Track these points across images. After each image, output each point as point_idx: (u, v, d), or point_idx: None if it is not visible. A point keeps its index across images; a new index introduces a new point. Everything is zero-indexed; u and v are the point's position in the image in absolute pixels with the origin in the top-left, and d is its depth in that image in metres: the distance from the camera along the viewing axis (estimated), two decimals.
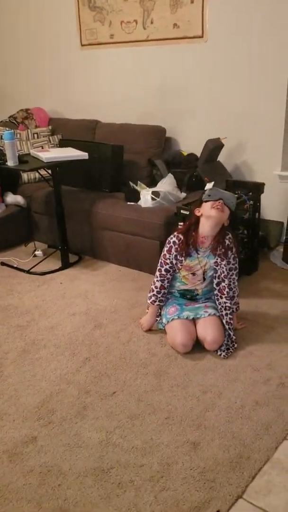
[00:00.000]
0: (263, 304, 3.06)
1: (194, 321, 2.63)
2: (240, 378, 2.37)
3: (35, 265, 3.69)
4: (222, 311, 2.60)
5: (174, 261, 2.62)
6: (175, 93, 4.14)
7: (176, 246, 2.60)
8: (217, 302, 2.64)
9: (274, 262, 3.64)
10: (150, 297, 2.71)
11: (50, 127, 4.66)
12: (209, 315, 2.60)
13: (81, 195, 3.91)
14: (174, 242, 2.62)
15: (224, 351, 2.54)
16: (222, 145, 3.80)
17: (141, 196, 3.61)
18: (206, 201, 2.54)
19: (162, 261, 2.66)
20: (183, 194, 3.69)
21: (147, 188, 3.74)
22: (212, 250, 2.59)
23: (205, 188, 2.62)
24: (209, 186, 2.63)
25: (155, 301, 2.70)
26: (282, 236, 3.83)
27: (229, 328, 2.58)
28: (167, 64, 4.12)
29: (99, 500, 1.74)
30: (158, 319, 2.77)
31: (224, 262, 2.58)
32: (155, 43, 4.11)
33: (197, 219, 2.58)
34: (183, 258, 2.60)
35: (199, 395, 2.26)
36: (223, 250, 2.58)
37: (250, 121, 3.82)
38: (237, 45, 3.71)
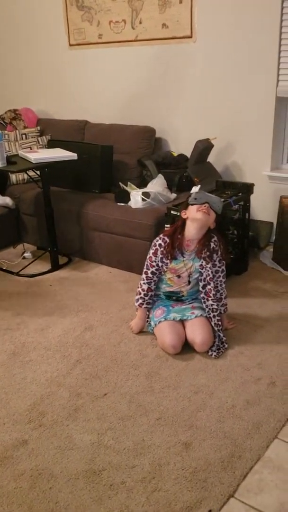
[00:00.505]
0: (253, 304, 3.06)
1: (182, 322, 2.63)
2: (231, 378, 2.37)
3: (24, 267, 3.67)
4: (209, 313, 2.60)
5: (160, 264, 2.62)
6: (164, 94, 4.14)
7: (162, 249, 2.60)
8: (204, 305, 2.64)
9: (264, 262, 3.65)
10: (138, 300, 2.71)
11: (38, 127, 4.64)
12: (196, 316, 2.60)
13: (70, 196, 3.89)
14: (160, 244, 2.61)
15: (215, 351, 2.54)
16: (211, 146, 3.81)
17: (131, 197, 3.61)
18: (192, 204, 2.55)
19: (148, 264, 2.65)
20: (174, 195, 3.70)
21: (137, 188, 3.74)
22: (197, 253, 2.59)
23: (191, 192, 2.62)
24: (195, 189, 2.63)
25: (142, 304, 2.70)
26: (271, 236, 3.85)
27: (218, 329, 2.58)
28: (156, 64, 4.12)
29: (91, 502, 1.74)
30: (147, 321, 2.77)
31: (209, 265, 2.59)
32: (144, 43, 4.11)
33: (184, 221, 2.59)
34: (168, 261, 2.60)
35: (190, 395, 2.26)
36: (208, 253, 2.58)
37: (239, 121, 3.83)
38: (226, 45, 3.72)
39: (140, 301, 2.69)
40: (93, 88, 4.58)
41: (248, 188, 3.39)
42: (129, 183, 3.84)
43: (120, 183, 3.85)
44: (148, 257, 2.66)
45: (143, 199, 3.54)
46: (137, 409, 2.18)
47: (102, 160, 3.88)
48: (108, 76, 4.44)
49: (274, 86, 3.59)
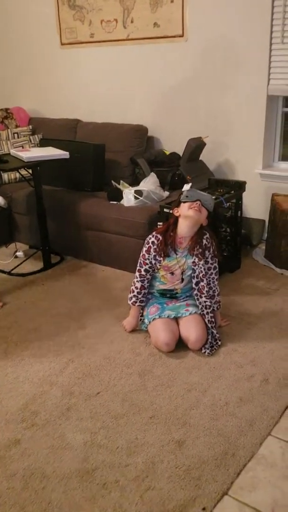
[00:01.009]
0: (246, 301, 3.07)
1: (176, 320, 2.63)
2: (224, 375, 2.37)
3: (16, 266, 3.65)
4: (203, 310, 2.60)
5: (153, 261, 2.62)
6: (156, 92, 4.13)
7: (155, 246, 2.60)
8: (197, 302, 2.64)
9: (256, 260, 3.66)
10: (131, 298, 2.70)
11: (30, 126, 4.62)
12: (190, 313, 2.60)
13: (62, 195, 3.88)
14: (153, 242, 2.61)
15: (208, 348, 2.54)
16: (204, 144, 3.81)
17: (123, 195, 3.60)
18: (184, 202, 2.55)
19: (142, 262, 2.65)
20: (166, 193, 3.69)
21: (130, 187, 3.73)
22: (189, 250, 2.59)
23: (183, 189, 2.62)
24: (186, 187, 2.63)
25: (135, 302, 2.69)
26: (264, 234, 3.86)
27: (211, 326, 2.58)
28: (148, 63, 4.11)
29: (84, 501, 1.73)
30: (141, 319, 2.76)
31: (202, 262, 2.59)
32: (136, 42, 4.11)
33: (176, 219, 2.59)
34: (161, 258, 2.60)
35: (183, 393, 2.26)
36: (200, 250, 2.58)
37: (231, 120, 3.83)
38: (218, 44, 3.72)
39: (134, 299, 2.69)
40: (85, 87, 4.57)
41: (240, 186, 3.39)
42: (121, 181, 3.83)
43: (112, 181, 3.84)
44: (141, 255, 2.66)
45: (135, 198, 3.53)
46: (130, 408, 2.18)
47: (95, 158, 3.87)
48: (100, 75, 4.43)
49: (265, 84, 3.60)
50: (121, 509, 1.69)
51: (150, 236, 2.64)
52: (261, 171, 3.80)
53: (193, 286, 2.64)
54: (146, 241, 2.65)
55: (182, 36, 3.88)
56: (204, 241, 2.59)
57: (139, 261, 2.66)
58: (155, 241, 2.60)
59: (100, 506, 1.71)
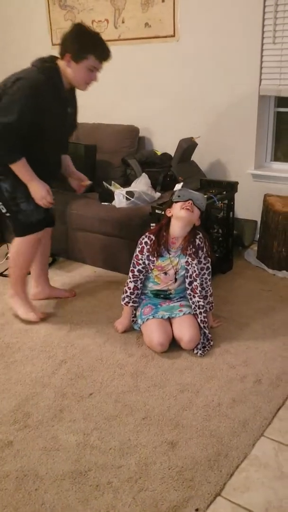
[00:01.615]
0: (238, 302, 3.07)
1: (169, 320, 2.63)
2: (216, 376, 2.37)
3: (8, 268, 3.63)
4: (196, 310, 2.61)
5: (146, 261, 2.62)
6: (147, 93, 4.13)
7: (148, 247, 2.60)
8: (190, 302, 2.64)
9: (249, 261, 3.67)
10: (124, 298, 2.70)
11: None
12: (184, 314, 2.60)
13: (54, 196, 3.85)
14: (146, 242, 2.62)
15: (200, 349, 2.54)
16: (195, 145, 3.81)
17: (115, 196, 3.59)
18: (176, 202, 2.55)
19: (135, 262, 2.65)
20: (158, 194, 3.69)
21: (121, 188, 3.73)
22: (182, 249, 2.60)
23: (175, 189, 2.63)
24: (178, 186, 2.63)
25: (128, 302, 2.69)
26: (256, 234, 3.87)
27: (204, 326, 2.58)
28: (139, 63, 4.11)
29: (77, 503, 1.72)
30: (133, 320, 2.76)
31: (195, 262, 2.59)
32: (127, 42, 4.11)
33: (169, 219, 2.59)
34: (155, 259, 2.60)
35: (176, 394, 2.26)
36: (193, 249, 2.59)
37: (222, 120, 3.84)
38: (209, 44, 3.73)
39: (127, 299, 2.68)
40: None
41: (232, 187, 3.40)
42: (113, 182, 3.82)
43: (104, 182, 3.83)
44: (134, 255, 2.65)
45: (127, 198, 3.53)
46: (122, 409, 2.17)
47: (86, 159, 3.86)
48: None
49: (257, 84, 3.61)
50: (114, 510, 1.69)
51: (143, 236, 2.64)
52: (253, 171, 3.81)
53: (187, 286, 2.64)
54: (139, 242, 2.65)
55: (173, 36, 3.89)
56: (197, 241, 2.59)
57: (132, 261, 2.66)
58: (148, 241, 2.61)
59: (93, 508, 1.70)
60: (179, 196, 2.55)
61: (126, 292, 2.68)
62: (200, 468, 1.85)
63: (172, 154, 3.88)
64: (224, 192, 3.33)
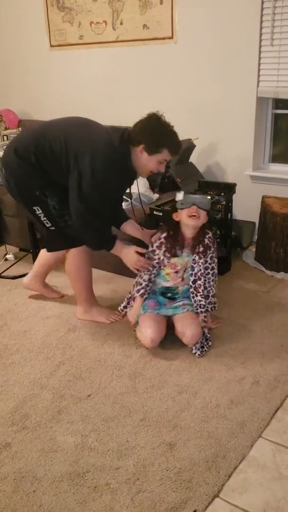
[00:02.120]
0: (236, 303, 3.07)
1: (169, 318, 2.64)
2: (214, 377, 2.37)
3: (7, 269, 3.64)
4: (197, 309, 2.62)
5: (161, 257, 2.63)
6: (145, 94, 4.14)
7: (167, 243, 2.61)
8: (192, 300, 2.65)
9: (247, 262, 3.67)
10: (139, 290, 2.68)
11: (20, 128, 4.60)
12: (187, 310, 2.61)
13: None
14: (165, 237, 2.63)
15: (198, 349, 2.54)
16: (193, 146, 3.82)
17: None
18: (181, 209, 2.57)
19: (150, 257, 2.67)
20: (156, 195, 3.69)
21: None
22: (191, 248, 2.61)
23: (176, 199, 2.63)
24: (179, 196, 2.63)
25: (144, 294, 2.68)
26: (254, 236, 3.87)
27: (203, 326, 2.59)
28: (138, 65, 4.12)
29: (75, 504, 1.72)
30: (128, 299, 2.78)
31: (201, 261, 2.61)
32: (125, 44, 4.11)
33: (177, 223, 2.62)
34: (170, 255, 2.61)
35: (174, 395, 2.26)
36: (201, 248, 2.61)
37: (221, 122, 3.85)
38: (207, 46, 3.73)
39: (142, 291, 2.67)
40: (74, 89, 4.56)
41: (230, 188, 3.40)
42: None
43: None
44: (150, 250, 2.68)
45: (125, 200, 3.52)
46: (121, 410, 2.17)
47: None
48: (89, 77, 4.43)
49: (255, 86, 3.62)
50: (112, 511, 1.69)
51: (162, 232, 2.66)
52: (251, 173, 3.81)
53: (190, 284, 2.66)
54: (157, 237, 2.67)
55: (171, 38, 3.89)
56: (206, 240, 2.63)
57: (146, 255, 2.67)
58: (167, 236, 2.63)
59: (91, 509, 1.70)
60: (182, 204, 2.57)
61: (141, 284, 2.68)
62: (198, 469, 1.85)
63: None
64: (222, 194, 3.33)
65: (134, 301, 2.74)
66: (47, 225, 2.67)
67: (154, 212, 3.10)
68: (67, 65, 4.53)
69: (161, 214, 3.12)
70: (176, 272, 2.66)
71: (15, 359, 2.57)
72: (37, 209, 2.63)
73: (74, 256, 2.78)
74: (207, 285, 2.67)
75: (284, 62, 3.48)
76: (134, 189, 3.62)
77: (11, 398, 2.27)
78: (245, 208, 3.86)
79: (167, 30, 3.88)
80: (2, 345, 2.70)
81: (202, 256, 2.62)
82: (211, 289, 2.69)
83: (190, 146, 3.79)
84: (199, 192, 3.31)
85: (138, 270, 2.69)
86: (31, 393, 2.31)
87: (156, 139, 2.46)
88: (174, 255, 2.62)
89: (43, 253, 2.99)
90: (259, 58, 3.55)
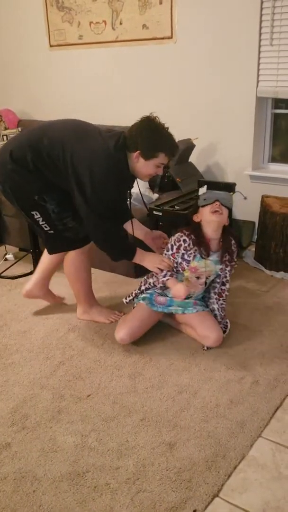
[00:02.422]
0: (236, 303, 3.07)
1: (173, 315, 2.69)
2: (214, 377, 2.38)
3: (6, 269, 3.64)
4: (219, 311, 2.67)
5: (179, 260, 2.58)
6: (145, 94, 4.14)
7: (186, 245, 2.55)
8: (214, 305, 2.67)
9: (246, 262, 3.67)
10: (165, 275, 2.57)
11: (19, 128, 4.61)
12: (197, 311, 2.62)
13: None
14: (184, 240, 2.55)
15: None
16: (193, 146, 3.82)
17: None
18: (203, 206, 2.53)
19: (169, 258, 2.62)
20: (155, 195, 3.69)
21: None
22: (220, 257, 2.59)
23: (199, 194, 2.60)
24: (202, 190, 2.60)
25: (172, 275, 2.58)
26: (253, 235, 3.87)
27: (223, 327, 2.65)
28: (137, 65, 4.12)
29: (75, 504, 1.72)
30: (136, 294, 2.75)
31: (228, 268, 2.63)
32: (125, 44, 4.11)
33: (198, 224, 2.56)
34: (190, 259, 2.56)
35: (174, 395, 2.26)
36: (228, 257, 2.61)
37: (220, 122, 3.85)
38: (207, 46, 3.73)
39: (168, 274, 2.57)
40: (74, 88, 4.56)
41: (230, 188, 3.40)
42: None
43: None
44: (170, 253, 2.59)
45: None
46: (120, 410, 2.18)
47: None
48: (89, 77, 4.43)
49: (254, 86, 3.62)
50: (112, 511, 1.69)
51: (181, 234, 2.57)
52: (251, 172, 3.81)
53: (215, 290, 2.66)
54: (176, 239, 2.57)
55: (171, 37, 3.89)
56: (232, 247, 2.63)
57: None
58: (187, 239, 2.55)
59: (91, 509, 1.70)
60: (205, 199, 2.53)
61: (162, 271, 2.58)
62: (198, 469, 1.85)
63: None
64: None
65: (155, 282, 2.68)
66: (46, 229, 2.63)
67: (154, 212, 3.10)
68: (67, 65, 4.53)
69: (160, 214, 3.12)
70: (198, 277, 2.61)
71: (15, 359, 2.57)
72: (36, 213, 2.58)
73: (73, 257, 2.77)
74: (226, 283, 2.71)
75: (283, 62, 3.48)
76: (134, 189, 3.64)
77: (11, 398, 2.28)
78: (245, 207, 3.86)
79: (166, 30, 3.88)
80: (2, 345, 2.70)
81: (228, 264, 2.62)
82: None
83: (189, 146, 3.80)
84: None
85: (161, 270, 2.60)
86: (31, 393, 2.31)
87: (151, 144, 2.43)
88: (198, 258, 2.55)
89: (45, 257, 2.95)
90: (259, 58, 3.55)
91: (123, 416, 2.14)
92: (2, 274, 3.57)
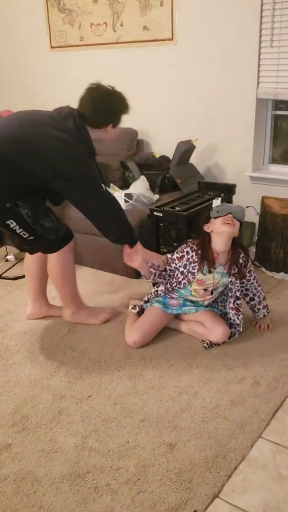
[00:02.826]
0: None
1: (180, 315, 2.73)
2: (215, 378, 2.38)
3: (7, 270, 3.64)
4: (237, 324, 2.68)
5: (184, 271, 2.60)
6: (146, 96, 4.14)
7: (189, 257, 2.58)
8: (235, 319, 2.67)
9: None
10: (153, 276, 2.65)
11: None
12: (209, 309, 2.68)
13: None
14: (187, 252, 2.59)
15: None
16: (193, 147, 3.83)
17: None
18: (215, 217, 2.55)
19: (170, 262, 2.65)
20: (156, 196, 3.70)
21: (120, 190, 3.74)
22: (227, 269, 2.60)
23: (213, 205, 2.62)
24: (216, 202, 2.63)
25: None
26: (253, 236, 3.87)
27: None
28: (138, 66, 4.13)
29: (76, 505, 1.73)
30: (148, 299, 2.78)
31: (238, 281, 2.62)
32: (125, 45, 4.12)
33: (208, 235, 2.58)
34: (195, 271, 2.58)
35: (174, 396, 2.26)
36: (236, 269, 2.61)
37: (220, 123, 3.86)
38: (207, 47, 3.74)
39: (153, 276, 2.66)
40: (75, 90, 4.54)
41: (230, 189, 3.41)
42: (111, 184, 3.83)
43: (102, 184, 3.83)
44: (170, 257, 2.65)
45: (125, 201, 3.54)
46: (121, 411, 2.18)
47: None
48: (90, 79, 4.40)
49: (255, 87, 3.62)
50: None
51: (185, 246, 2.62)
52: (251, 173, 3.82)
53: (231, 305, 2.67)
54: (180, 249, 2.63)
55: (171, 39, 3.90)
56: (240, 260, 2.62)
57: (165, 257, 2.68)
58: (190, 251, 2.58)
59: (91, 510, 1.71)
60: (218, 212, 2.55)
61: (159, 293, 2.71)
62: (198, 470, 1.86)
63: (171, 157, 3.89)
64: (222, 194, 3.34)
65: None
66: (25, 236, 2.52)
67: (154, 213, 3.11)
68: (68, 66, 4.54)
69: (161, 214, 3.12)
70: (205, 289, 2.63)
71: (16, 360, 2.58)
72: (11, 222, 2.45)
73: (58, 259, 2.68)
74: (254, 291, 2.71)
75: (283, 64, 3.49)
76: (134, 189, 3.65)
77: (11, 399, 2.28)
78: (245, 209, 3.86)
79: (167, 32, 3.89)
80: (3, 346, 2.70)
81: (238, 277, 2.62)
82: (260, 293, 2.73)
83: (190, 148, 3.81)
84: (199, 193, 3.32)
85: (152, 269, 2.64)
86: (32, 393, 2.31)
87: (118, 111, 2.54)
88: (204, 271, 2.57)
89: (29, 266, 2.82)
90: (259, 60, 3.56)
91: (124, 417, 2.14)
92: (3, 275, 3.58)
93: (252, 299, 2.74)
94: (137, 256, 2.57)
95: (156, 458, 1.92)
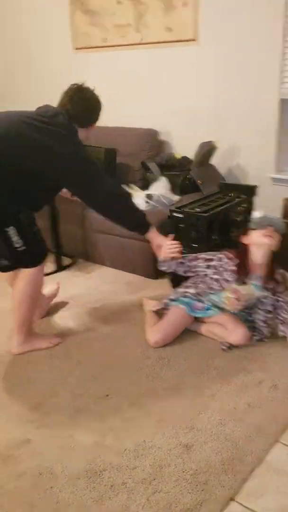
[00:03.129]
0: None
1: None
2: (233, 381, 2.37)
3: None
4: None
5: (218, 278, 2.63)
6: (168, 96, 4.15)
7: (222, 263, 2.62)
8: (259, 328, 2.68)
9: None
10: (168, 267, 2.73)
11: None
12: (232, 311, 2.67)
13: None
14: (220, 258, 2.64)
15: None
16: (215, 148, 3.81)
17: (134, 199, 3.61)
18: (255, 229, 2.57)
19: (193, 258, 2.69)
20: (177, 197, 3.70)
21: (140, 191, 3.75)
22: (263, 283, 2.60)
23: (253, 217, 2.63)
24: (257, 214, 2.64)
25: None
26: None
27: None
28: (161, 67, 4.13)
29: (92, 502, 1.74)
30: (172, 299, 2.77)
31: (274, 297, 2.61)
32: (149, 46, 4.12)
33: (245, 247, 2.60)
34: (231, 279, 2.60)
35: (192, 397, 2.27)
36: (272, 285, 2.61)
37: (243, 123, 3.84)
38: (230, 48, 3.73)
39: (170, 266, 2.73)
40: (98, 91, 4.58)
41: (251, 190, 3.39)
42: (132, 185, 3.85)
43: (123, 185, 3.85)
44: (199, 255, 2.69)
45: (146, 201, 3.55)
46: (138, 411, 2.19)
47: (106, 162, 3.88)
48: (113, 80, 4.45)
49: (278, 88, 3.60)
50: (128, 511, 1.70)
51: (219, 253, 2.67)
52: (273, 175, 3.79)
53: (260, 317, 2.66)
54: (210, 253, 2.68)
55: (195, 40, 3.90)
56: (277, 276, 2.62)
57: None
58: (225, 258, 2.63)
59: (107, 508, 1.72)
60: (258, 223, 2.58)
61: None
62: (214, 471, 1.86)
63: (192, 158, 3.89)
64: (244, 196, 3.33)
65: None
66: (16, 246, 2.41)
67: (174, 214, 3.11)
68: (91, 67, 4.56)
69: (181, 215, 3.12)
70: (238, 300, 2.63)
71: (35, 357, 2.61)
72: (11, 229, 2.38)
73: (32, 278, 2.54)
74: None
75: None
76: (155, 190, 3.66)
77: (31, 396, 2.31)
78: (266, 210, 3.83)
79: (190, 32, 3.88)
80: None
81: (273, 292, 2.61)
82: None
83: (211, 148, 3.79)
84: (219, 195, 3.31)
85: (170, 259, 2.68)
86: (51, 391, 2.34)
87: (100, 110, 2.71)
88: (239, 281, 2.58)
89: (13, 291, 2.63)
90: (283, 60, 3.53)
91: (141, 417, 2.15)
92: None
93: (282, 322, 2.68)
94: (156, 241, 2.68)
95: (172, 459, 1.92)
